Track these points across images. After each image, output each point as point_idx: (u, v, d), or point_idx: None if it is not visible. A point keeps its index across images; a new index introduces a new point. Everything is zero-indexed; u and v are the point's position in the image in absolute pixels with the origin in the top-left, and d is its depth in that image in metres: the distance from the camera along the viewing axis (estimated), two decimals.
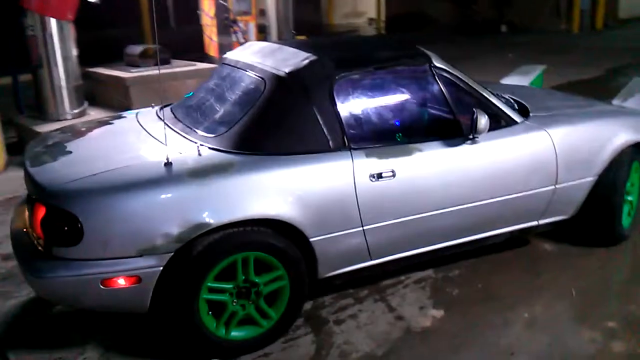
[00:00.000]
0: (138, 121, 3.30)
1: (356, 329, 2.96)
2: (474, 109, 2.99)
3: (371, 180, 2.80)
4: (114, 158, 2.79)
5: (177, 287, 2.55)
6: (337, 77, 2.87)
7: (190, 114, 3.20)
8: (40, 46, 6.01)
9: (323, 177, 2.74)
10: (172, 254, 2.50)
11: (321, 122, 2.80)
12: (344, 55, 3.08)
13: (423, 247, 3.14)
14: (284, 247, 2.69)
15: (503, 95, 3.69)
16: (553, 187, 3.32)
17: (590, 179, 3.44)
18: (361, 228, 2.85)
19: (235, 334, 2.73)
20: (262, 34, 8.03)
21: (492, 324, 2.99)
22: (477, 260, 3.59)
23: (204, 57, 7.67)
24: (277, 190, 2.65)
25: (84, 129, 3.51)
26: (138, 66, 6.79)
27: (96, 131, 3.37)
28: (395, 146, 2.92)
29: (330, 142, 2.80)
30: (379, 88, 3.03)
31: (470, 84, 3.18)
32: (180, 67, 6.95)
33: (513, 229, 3.39)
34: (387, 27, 17.90)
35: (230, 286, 2.66)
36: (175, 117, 3.25)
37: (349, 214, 2.79)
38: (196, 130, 2.96)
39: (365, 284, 3.34)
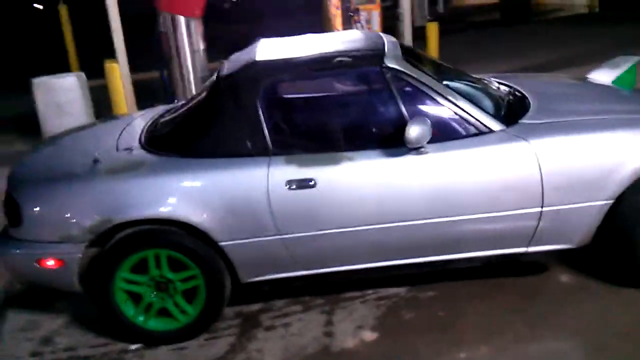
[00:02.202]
0: (131, 119, 3.61)
1: (279, 338, 2.91)
2: (413, 117, 2.66)
3: (288, 189, 2.69)
4: (75, 155, 3.13)
5: (94, 274, 2.80)
6: (265, 81, 2.81)
7: (168, 114, 3.40)
8: (171, 41, 6.76)
9: (234, 183, 2.73)
10: (87, 243, 2.75)
11: (244, 127, 2.78)
12: (280, 58, 2.96)
13: (367, 262, 2.91)
14: (195, 248, 2.76)
15: (500, 94, 3.16)
16: (538, 209, 2.77)
17: (600, 203, 2.79)
18: (278, 237, 2.76)
19: (152, 324, 2.91)
20: (396, 21, 7.83)
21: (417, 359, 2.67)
22: (464, 283, 3.18)
23: None
24: (185, 193, 2.72)
25: (89, 127, 3.91)
26: None
27: (94, 129, 3.76)
28: (320, 154, 2.75)
29: (251, 147, 2.77)
30: (315, 92, 2.87)
31: (433, 86, 2.81)
32: None
33: (490, 254, 2.93)
34: (601, 3, 15.75)
35: (145, 279, 2.83)
36: (162, 115, 3.48)
37: (261, 221, 2.73)
38: (151, 130, 3.16)
39: (330, 292, 3.21)
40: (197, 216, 2.70)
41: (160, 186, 2.74)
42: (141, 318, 2.89)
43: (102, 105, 6.80)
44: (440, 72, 3.24)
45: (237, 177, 2.72)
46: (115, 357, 2.88)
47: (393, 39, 3.32)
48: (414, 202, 2.74)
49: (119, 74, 6.50)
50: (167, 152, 2.86)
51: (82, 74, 6.82)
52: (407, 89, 2.79)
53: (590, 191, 2.76)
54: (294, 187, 2.69)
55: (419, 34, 8.05)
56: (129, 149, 2.95)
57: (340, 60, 2.85)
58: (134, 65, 6.82)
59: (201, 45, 6.88)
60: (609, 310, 2.87)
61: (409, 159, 2.71)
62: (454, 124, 2.79)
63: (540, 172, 2.71)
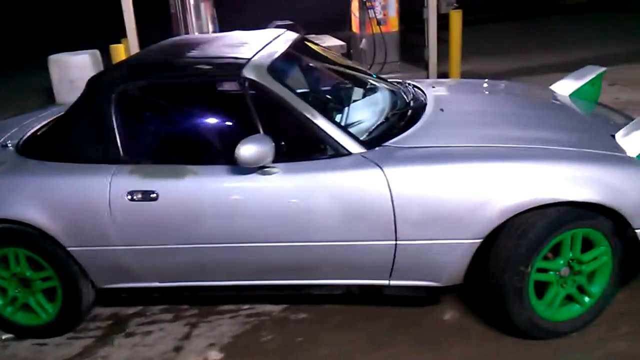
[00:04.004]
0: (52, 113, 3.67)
1: (130, 347, 2.89)
2: (267, 132, 2.50)
3: (129, 199, 2.64)
4: None
5: None
6: (120, 87, 2.73)
7: None
8: (180, 22, 6.82)
9: (79, 189, 2.71)
10: None
11: (97, 132, 2.75)
12: (140, 63, 2.87)
13: (219, 280, 2.81)
14: (50, 250, 2.79)
15: (388, 109, 2.89)
16: (392, 242, 2.53)
17: (464, 242, 2.50)
18: (123, 247, 2.73)
19: (19, 317, 2.99)
20: (423, 8, 7.42)
21: None
22: (344, 308, 3.00)
23: (350, 35, 7.52)
24: (36, 196, 2.74)
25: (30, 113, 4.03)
26: None
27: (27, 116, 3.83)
28: (166, 166, 2.66)
29: (102, 154, 2.73)
30: (170, 100, 2.77)
31: (291, 102, 2.60)
32: None
33: (348, 283, 2.73)
34: None
35: (7, 275, 2.90)
36: None
37: (104, 230, 2.70)
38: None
39: (207, 303, 3.15)
40: (45, 220, 2.71)
41: (15, 187, 2.77)
42: (9, 310, 2.97)
43: None
44: (334, 77, 3.05)
45: (82, 183, 2.69)
46: None
47: (295, 39, 3.15)
48: (259, 224, 2.59)
49: (129, 52, 6.65)
50: (31, 153, 2.88)
51: (97, 52, 7.06)
52: (264, 102, 2.61)
53: (451, 228, 2.48)
54: (136, 198, 2.62)
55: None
56: (5, 146, 3.01)
57: (198, 68, 2.72)
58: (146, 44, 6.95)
59: (210, 27, 6.88)
60: (471, 358, 2.59)
61: (254, 178, 2.55)
62: (311, 144, 2.59)
63: (392, 204, 2.46)
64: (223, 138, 2.73)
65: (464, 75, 7.35)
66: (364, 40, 7.05)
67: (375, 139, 2.64)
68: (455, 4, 7.14)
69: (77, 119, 2.82)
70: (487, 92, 3.62)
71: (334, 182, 2.51)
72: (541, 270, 2.54)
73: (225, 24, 7.27)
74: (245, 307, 3.11)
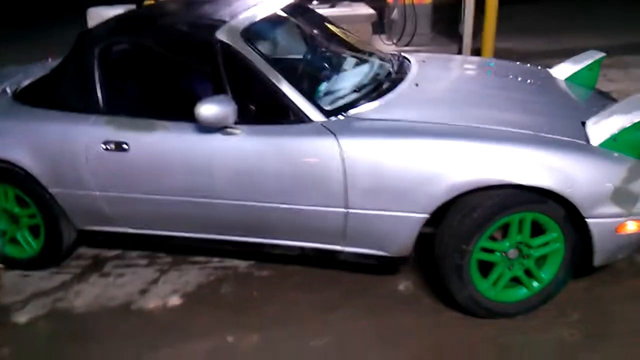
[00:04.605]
0: None
1: (102, 286, 3.09)
2: (234, 94, 2.62)
3: (103, 149, 2.81)
4: None
5: None
6: (103, 43, 2.88)
7: None
8: None
9: (58, 135, 2.89)
10: None
11: (81, 83, 2.91)
12: (124, 21, 3.00)
13: (185, 232, 2.96)
14: (34, 190, 3.01)
15: (364, 78, 2.96)
16: (343, 210, 2.61)
17: (410, 215, 2.55)
18: (97, 192, 2.91)
19: (8, 249, 3.25)
20: None
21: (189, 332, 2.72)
22: (307, 269, 3.12)
23: (384, 4, 7.43)
24: (23, 138, 2.95)
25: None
26: None
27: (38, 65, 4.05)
28: (140, 119, 2.80)
29: (84, 104, 2.89)
30: (148, 57, 2.89)
31: (260, 67, 2.67)
32: (337, 10, 6.94)
33: (304, 245, 2.82)
34: None
35: None
36: None
37: (81, 175, 2.88)
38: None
39: (182, 253, 3.32)
40: (30, 162, 2.92)
41: (6, 130, 2.98)
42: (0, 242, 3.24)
43: None
44: (321, 45, 3.17)
45: (63, 130, 2.87)
46: None
47: (290, 4, 3.26)
48: (218, 182, 2.71)
49: None
50: (24, 99, 3.08)
51: (134, 7, 7.24)
52: (235, 65, 2.70)
53: (399, 201, 2.53)
54: (109, 148, 2.78)
55: None
56: (4, 91, 3.22)
57: (175, 28, 2.83)
58: None
59: None
60: (412, 329, 2.67)
61: (217, 138, 2.66)
62: (274, 109, 2.67)
63: (344, 173, 2.53)
64: (193, 97, 2.82)
65: (497, 53, 7.17)
66: (395, 11, 6.96)
67: (339, 109, 2.68)
68: None
69: (65, 70, 2.99)
70: (475, 71, 3.58)
71: (291, 147, 2.59)
72: (486, 250, 2.56)
73: None
74: (216, 259, 3.26)
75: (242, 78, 2.70)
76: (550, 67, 3.56)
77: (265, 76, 2.66)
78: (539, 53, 7.43)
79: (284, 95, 2.64)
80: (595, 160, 2.43)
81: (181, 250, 3.27)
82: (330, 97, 2.80)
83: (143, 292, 3.02)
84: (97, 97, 2.86)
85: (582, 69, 3.40)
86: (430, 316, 2.74)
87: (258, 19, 2.95)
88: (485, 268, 2.63)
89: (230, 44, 2.69)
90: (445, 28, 7.76)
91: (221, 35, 2.71)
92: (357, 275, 3.04)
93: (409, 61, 3.38)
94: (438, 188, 2.45)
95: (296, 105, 2.63)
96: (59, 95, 2.98)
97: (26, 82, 3.28)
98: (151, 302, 2.94)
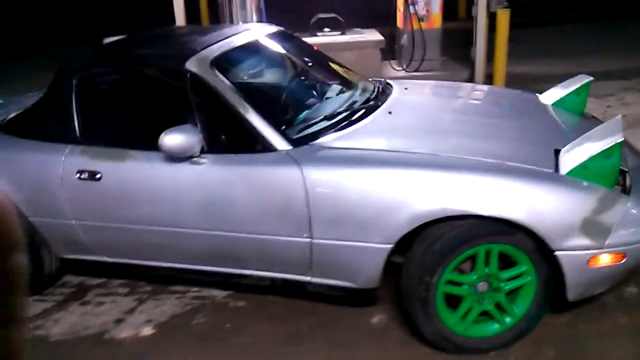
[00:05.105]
0: None
1: (80, 315, 3.11)
2: (204, 124, 2.64)
3: (78, 178, 2.86)
4: None
5: None
6: (81, 74, 2.94)
7: None
8: (225, 11, 7.05)
9: (37, 165, 2.95)
10: None
11: (58, 114, 2.98)
12: (101, 52, 3.06)
13: (159, 261, 2.97)
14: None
15: (338, 106, 2.94)
16: (308, 240, 2.58)
17: (374, 246, 2.51)
18: (74, 222, 2.95)
19: None
20: (472, 5, 7.20)
21: None
22: (283, 300, 3.07)
23: (395, 30, 7.42)
24: (3, 168, 3.02)
25: None
26: (315, 34, 7.15)
27: None
28: (111, 149, 2.84)
29: (61, 134, 2.96)
30: (123, 88, 2.95)
31: (228, 96, 2.69)
32: (345, 37, 6.98)
33: (274, 276, 2.80)
34: None
35: None
36: None
37: (58, 205, 2.93)
38: None
39: (163, 282, 3.32)
40: (11, 191, 2.98)
41: None
42: None
43: None
44: (298, 72, 3.17)
45: (42, 160, 2.94)
46: None
47: (269, 33, 3.27)
48: (186, 211, 2.72)
49: None
50: (10, 130, 3.17)
51: None
52: (203, 95, 2.73)
53: (363, 231, 2.48)
54: (83, 177, 2.83)
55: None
56: None
57: (148, 59, 2.88)
58: None
59: (254, 17, 7.05)
60: None
61: (184, 167, 2.68)
62: (241, 138, 2.68)
63: (308, 202, 2.51)
64: (163, 126, 2.86)
65: (511, 77, 7.08)
66: (404, 36, 6.95)
67: (305, 137, 2.67)
68: (505, 3, 6.85)
69: (46, 101, 3.07)
70: (455, 98, 3.52)
71: (256, 176, 2.59)
72: (453, 283, 2.48)
73: (271, 16, 7.45)
74: (195, 289, 3.25)
75: (210, 108, 2.72)
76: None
77: (233, 106, 2.67)
78: (556, 77, 7.27)
79: (251, 124, 2.65)
80: (561, 190, 2.34)
81: (162, 279, 3.27)
82: (300, 126, 2.80)
83: (118, 321, 3.03)
84: (74, 127, 2.92)
85: (569, 93, 3.31)
86: (398, 351, 2.66)
87: (232, 48, 2.99)
88: (455, 302, 2.55)
89: (199, 73, 2.72)
90: (458, 53, 7.71)
91: (190, 65, 2.75)
92: (333, 307, 2.98)
93: (391, 88, 3.35)
94: (400, 218, 2.41)
95: (262, 135, 2.63)
96: (39, 125, 3.06)
97: (13, 113, 3.37)
98: (124, 332, 2.94)
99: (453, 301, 2.55)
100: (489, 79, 7.18)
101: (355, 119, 2.85)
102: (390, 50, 7.44)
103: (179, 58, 2.79)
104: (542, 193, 2.33)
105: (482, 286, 2.50)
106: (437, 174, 2.39)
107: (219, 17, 7.22)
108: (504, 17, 6.75)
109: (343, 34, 7.04)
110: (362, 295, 2.72)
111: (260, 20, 7.15)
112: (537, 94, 3.53)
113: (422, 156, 2.50)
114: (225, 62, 2.87)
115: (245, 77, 3.16)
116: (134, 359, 2.74)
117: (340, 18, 7.00)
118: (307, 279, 2.72)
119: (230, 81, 2.77)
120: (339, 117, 2.86)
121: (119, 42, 3.27)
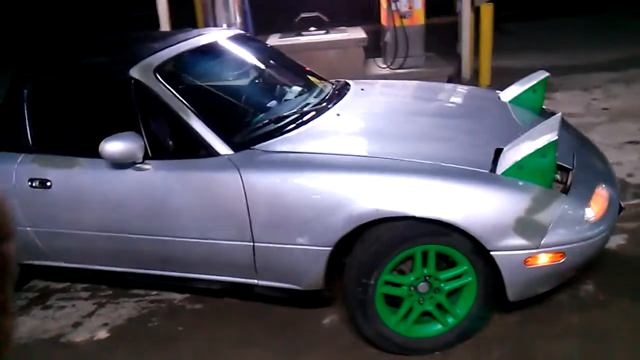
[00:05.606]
0: None
1: (41, 319, 3.16)
2: (147, 130, 2.68)
3: (30, 186, 2.90)
4: None
5: None
6: (30, 84, 2.98)
7: None
8: (209, 13, 7.08)
9: None
10: None
11: (11, 124, 3.02)
12: (50, 61, 3.09)
13: (110, 266, 3.01)
14: None
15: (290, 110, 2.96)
16: (250, 244, 2.60)
17: (317, 248, 2.51)
18: (28, 228, 3.00)
19: None
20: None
21: None
22: (240, 303, 3.08)
23: (379, 27, 7.39)
24: None
25: None
26: (300, 34, 7.15)
27: None
28: (60, 157, 2.88)
29: (14, 143, 3.00)
30: (70, 96, 2.98)
31: (170, 103, 2.70)
32: (328, 36, 6.97)
33: (222, 280, 2.82)
34: None
35: None
36: None
37: (13, 212, 2.98)
38: None
39: (125, 286, 3.36)
40: None
41: None
42: None
43: None
44: (250, 76, 3.22)
45: None
46: None
47: (224, 36, 3.30)
48: (132, 216, 2.75)
49: None
50: None
51: None
52: (146, 101, 2.75)
53: (301, 234, 2.49)
54: (34, 185, 2.87)
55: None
56: None
57: (94, 67, 2.91)
58: None
59: (238, 19, 7.07)
60: None
61: (128, 174, 2.70)
62: (184, 144, 2.70)
63: (247, 207, 2.52)
64: (109, 133, 2.88)
65: (497, 71, 7.04)
66: (387, 34, 6.93)
67: (247, 142, 2.68)
68: None
69: (1, 110, 3.11)
70: (412, 98, 3.52)
71: (198, 181, 2.61)
72: (392, 284, 2.48)
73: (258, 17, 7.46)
74: (154, 293, 3.29)
75: (154, 114, 2.75)
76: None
77: (175, 112, 2.69)
78: (535, 69, 7.23)
79: (193, 130, 2.66)
80: (495, 190, 2.33)
81: (122, 283, 3.30)
82: (245, 131, 2.81)
83: (76, 325, 3.07)
84: (25, 135, 2.95)
85: (526, 90, 3.29)
86: (345, 353, 2.67)
87: (179, 54, 3.00)
88: (398, 302, 2.55)
89: (142, 80, 2.75)
90: (444, 49, 7.67)
91: (134, 72, 2.77)
92: (287, 308, 2.99)
93: (347, 90, 3.35)
94: (336, 220, 2.41)
95: (204, 140, 2.65)
96: None
97: None
98: (80, 336, 2.98)
99: (396, 302, 2.55)
100: (476, 74, 7.15)
101: (302, 122, 2.86)
102: (376, 48, 7.42)
103: (124, 65, 2.81)
104: (475, 193, 2.33)
105: (422, 287, 2.49)
106: (371, 177, 2.39)
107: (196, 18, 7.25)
108: (487, 12, 6.71)
109: (327, 32, 7.04)
110: (311, 296, 2.73)
111: (244, 22, 7.18)
112: (498, 92, 3.51)
113: (358, 159, 2.50)
114: (172, 68, 2.89)
115: (193, 83, 3.17)
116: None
117: (323, 17, 7.00)
118: (255, 281, 2.74)
119: (176, 87, 2.79)
120: (286, 120, 2.87)
121: (67, 50, 3.30)
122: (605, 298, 2.88)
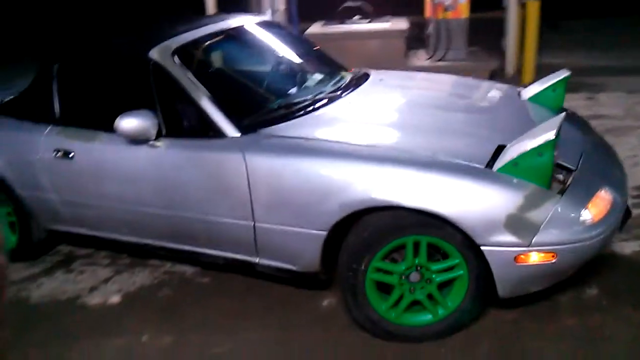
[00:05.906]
0: None
1: (61, 282, 3.36)
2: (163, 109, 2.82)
3: (54, 156, 3.10)
4: None
5: None
6: (60, 61, 3.17)
7: None
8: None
9: (22, 143, 3.21)
10: None
11: (42, 97, 3.22)
12: (79, 43, 3.27)
13: (129, 236, 3.17)
14: (7, 191, 3.35)
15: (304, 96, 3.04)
16: (251, 223, 2.71)
17: (310, 232, 2.60)
18: (52, 195, 3.20)
19: None
20: None
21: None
22: (246, 279, 3.20)
23: (425, 19, 7.34)
24: None
25: None
26: (343, 22, 7.20)
27: None
28: (83, 130, 3.05)
29: (43, 115, 3.20)
30: (94, 74, 3.15)
31: (185, 84, 2.82)
32: (370, 26, 6.98)
33: (226, 256, 2.94)
34: None
35: None
36: None
37: (38, 180, 3.18)
38: None
39: (143, 256, 3.54)
40: (2, 166, 3.27)
41: None
42: None
43: None
44: (274, 60, 3.42)
45: (26, 138, 3.20)
46: None
47: (250, 22, 3.41)
48: (144, 191, 2.90)
49: None
50: (6, 111, 3.44)
51: None
52: (163, 82, 2.87)
53: (299, 217, 2.58)
54: (59, 155, 3.06)
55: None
56: None
57: (118, 47, 3.07)
58: None
59: (282, 6, 7.18)
60: (313, 346, 2.69)
61: (142, 150, 2.85)
62: (196, 124, 2.81)
63: (249, 188, 2.63)
64: (128, 110, 3.04)
65: (542, 68, 6.88)
66: (430, 26, 6.88)
67: (255, 125, 2.78)
68: None
69: (34, 85, 3.32)
70: (428, 90, 3.52)
71: (205, 161, 2.73)
72: (383, 271, 2.54)
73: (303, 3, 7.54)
74: (168, 265, 3.45)
75: (169, 94, 2.87)
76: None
77: (189, 93, 2.81)
78: (589, 69, 7.03)
79: (204, 111, 2.78)
80: (488, 185, 2.35)
81: (140, 253, 3.48)
82: (256, 114, 2.90)
83: (92, 289, 3.27)
84: (53, 109, 3.15)
85: (545, 89, 3.26)
86: (339, 335, 2.74)
87: (201, 37, 3.12)
88: (390, 290, 2.60)
89: (160, 62, 2.88)
90: (488, 44, 7.55)
91: (153, 53, 2.91)
92: (288, 288, 3.09)
93: (366, 79, 3.40)
94: (331, 206, 2.48)
95: (214, 121, 2.76)
96: (27, 106, 3.31)
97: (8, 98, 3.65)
98: (94, 299, 3.17)
99: (389, 290, 2.60)
100: (519, 71, 7.02)
101: (313, 109, 2.93)
102: (420, 40, 7.38)
103: (145, 47, 2.95)
104: (466, 187, 2.34)
105: (414, 276, 2.54)
106: (365, 166, 2.45)
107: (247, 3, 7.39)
108: (534, 8, 6.56)
109: (370, 22, 7.05)
110: (310, 278, 2.81)
111: (288, 8, 7.27)
112: (519, 89, 3.48)
113: (355, 147, 2.55)
114: (192, 51, 3.01)
115: (211, 66, 3.28)
116: (96, 323, 2.95)
117: (366, 7, 7.01)
118: (256, 260, 2.84)
119: (193, 69, 2.91)
120: (297, 106, 2.95)
121: (102, 32, 3.48)
122: (607, 303, 2.84)
